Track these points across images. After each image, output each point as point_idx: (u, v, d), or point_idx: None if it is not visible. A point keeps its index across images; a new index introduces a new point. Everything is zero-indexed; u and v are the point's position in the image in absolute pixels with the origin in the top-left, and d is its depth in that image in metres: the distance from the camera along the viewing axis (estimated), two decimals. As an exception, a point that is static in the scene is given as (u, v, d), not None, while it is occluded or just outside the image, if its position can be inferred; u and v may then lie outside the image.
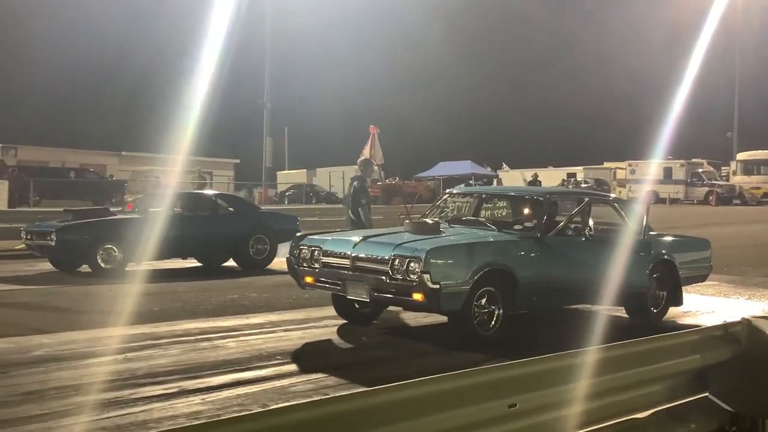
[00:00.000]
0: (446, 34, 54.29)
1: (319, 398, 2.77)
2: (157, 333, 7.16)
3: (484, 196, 9.11)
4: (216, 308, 8.61)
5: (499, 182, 41.65)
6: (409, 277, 6.62)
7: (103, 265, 11.19)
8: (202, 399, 5.07)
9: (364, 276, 6.97)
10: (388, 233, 7.65)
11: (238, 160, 44.97)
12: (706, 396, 4.10)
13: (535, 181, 37.50)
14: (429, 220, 7.91)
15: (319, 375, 5.85)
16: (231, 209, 13.13)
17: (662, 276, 8.45)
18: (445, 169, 45.71)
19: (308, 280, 7.43)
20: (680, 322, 8.50)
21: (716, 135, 50.05)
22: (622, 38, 53.16)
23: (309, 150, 48.37)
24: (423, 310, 7.56)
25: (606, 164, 46.95)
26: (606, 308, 7.95)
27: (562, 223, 7.89)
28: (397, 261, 6.71)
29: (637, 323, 8.13)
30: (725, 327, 4.15)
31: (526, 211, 8.29)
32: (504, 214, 9.24)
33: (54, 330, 7.17)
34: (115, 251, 11.29)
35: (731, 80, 48.86)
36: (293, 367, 6.11)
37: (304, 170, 45.47)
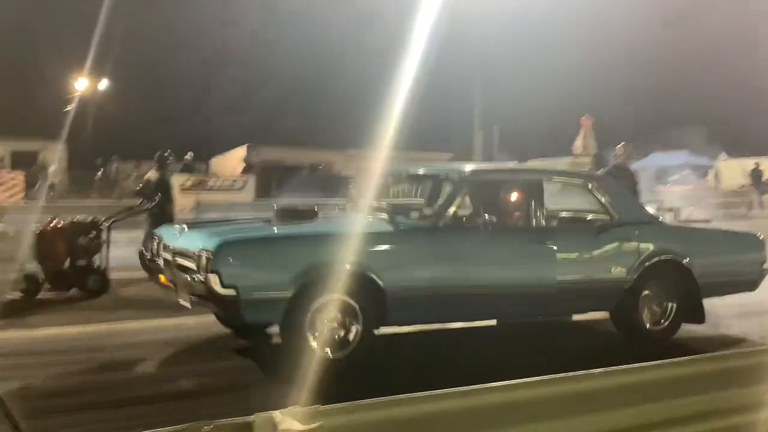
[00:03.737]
0: (654, 15, 51.60)
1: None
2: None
3: (406, 176, 7.43)
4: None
5: (717, 174, 39.04)
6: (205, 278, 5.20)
7: None
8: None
9: (181, 275, 5.64)
10: (240, 221, 6.53)
11: (451, 155, 45.90)
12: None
13: (756, 171, 34.72)
14: (306, 207, 6.59)
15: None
16: None
17: (666, 281, 6.82)
18: (658, 159, 43.58)
19: (162, 278, 6.19)
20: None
21: None
22: None
23: (519, 143, 48.24)
24: (233, 322, 5.95)
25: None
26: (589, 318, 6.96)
27: (452, 209, 6.07)
28: (202, 257, 5.28)
29: (635, 343, 6.71)
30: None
31: (435, 195, 6.74)
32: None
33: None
34: None
35: None
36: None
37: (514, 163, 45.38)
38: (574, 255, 6.54)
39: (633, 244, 6.72)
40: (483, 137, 36.78)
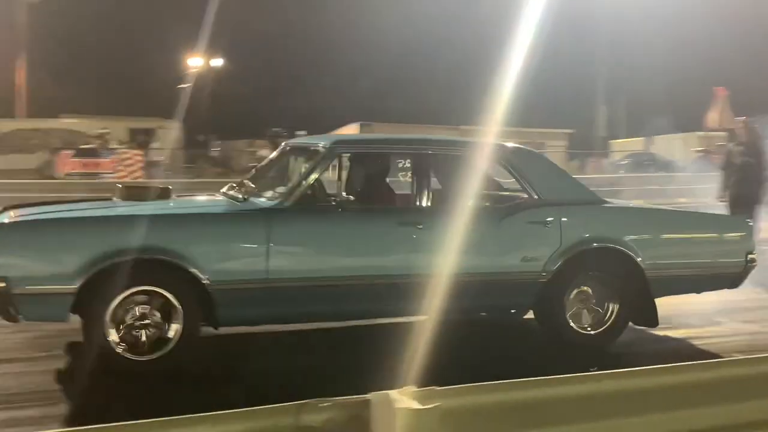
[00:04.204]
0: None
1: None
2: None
3: (288, 148, 6.41)
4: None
5: None
6: None
7: None
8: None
9: None
10: (69, 204, 5.73)
11: (572, 130, 44.93)
12: None
13: None
14: (157, 186, 6.01)
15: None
16: None
17: (603, 275, 5.87)
18: (805, 133, 41.01)
19: None
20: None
21: None
22: None
23: (649, 117, 46.66)
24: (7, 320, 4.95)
25: None
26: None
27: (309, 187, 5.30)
28: None
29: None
30: None
31: (297, 168, 5.88)
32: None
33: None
34: None
35: None
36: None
37: (641, 138, 43.97)
38: (459, 241, 5.50)
39: (550, 229, 5.70)
40: (607, 112, 35.69)
